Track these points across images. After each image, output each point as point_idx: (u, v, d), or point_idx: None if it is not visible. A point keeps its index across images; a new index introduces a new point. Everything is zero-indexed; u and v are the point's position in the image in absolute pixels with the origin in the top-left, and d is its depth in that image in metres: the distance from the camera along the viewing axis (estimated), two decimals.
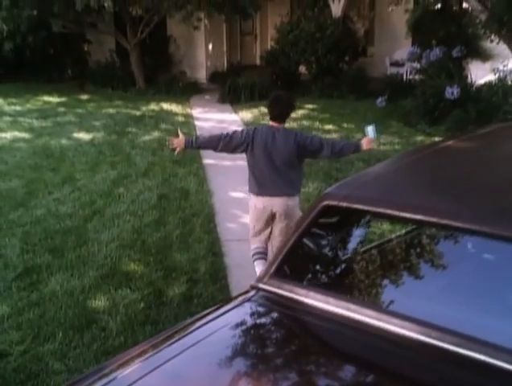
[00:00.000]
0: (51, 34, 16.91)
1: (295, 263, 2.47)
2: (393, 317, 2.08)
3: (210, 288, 5.06)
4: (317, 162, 8.92)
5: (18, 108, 13.72)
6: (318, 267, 2.53)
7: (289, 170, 4.65)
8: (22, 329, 4.39)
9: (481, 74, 12.95)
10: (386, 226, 3.05)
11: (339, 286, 2.37)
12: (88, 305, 4.73)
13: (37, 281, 5.16)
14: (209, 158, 9.42)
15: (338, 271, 2.50)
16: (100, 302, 4.78)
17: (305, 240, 2.45)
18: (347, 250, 2.54)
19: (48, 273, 5.28)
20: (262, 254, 4.90)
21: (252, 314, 2.35)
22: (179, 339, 2.21)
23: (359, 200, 2.32)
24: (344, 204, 2.35)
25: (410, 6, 14.56)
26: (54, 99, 15.08)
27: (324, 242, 2.56)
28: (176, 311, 4.64)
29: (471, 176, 2.51)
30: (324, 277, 2.47)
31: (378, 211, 2.30)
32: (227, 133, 4.77)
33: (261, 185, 4.69)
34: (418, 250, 2.30)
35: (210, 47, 18.20)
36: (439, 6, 13.02)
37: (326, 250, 2.57)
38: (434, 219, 2.11)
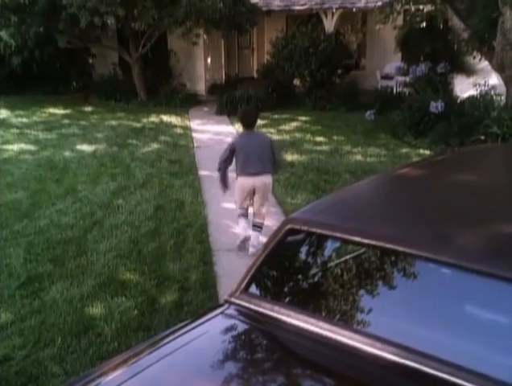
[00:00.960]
0: (57, 49, 17.17)
1: (262, 280, 2.67)
2: (346, 330, 2.30)
3: (200, 296, 5.22)
4: (307, 175, 9.14)
5: (24, 120, 13.95)
6: (283, 284, 2.71)
7: (266, 158, 5.97)
8: (25, 335, 4.57)
9: (465, 88, 13.18)
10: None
11: (301, 302, 2.56)
12: (85, 313, 4.90)
13: (39, 290, 5.32)
14: (205, 170, 9.60)
15: (300, 288, 2.68)
16: (97, 310, 4.95)
17: (272, 260, 2.66)
18: (309, 269, 2.73)
19: (49, 282, 5.46)
20: (244, 215, 6.31)
21: (224, 327, 2.54)
22: (158, 349, 2.41)
23: (317, 225, 2.53)
24: (305, 228, 2.56)
25: (400, 21, 14.77)
26: (59, 111, 15.34)
27: (288, 261, 2.77)
28: (167, 318, 4.80)
29: (420, 203, 2.71)
30: (287, 293, 2.65)
31: (333, 235, 2.51)
32: (224, 154, 6.06)
33: (248, 169, 5.93)
34: (371, 269, 2.49)
35: (209, 60, 18.42)
36: (424, 24, 13.22)
37: (290, 269, 2.76)
38: (379, 244, 2.32)
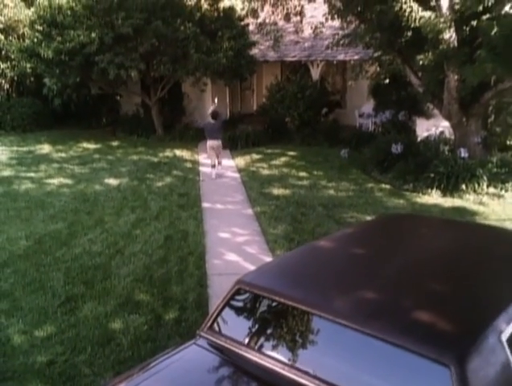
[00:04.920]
0: (90, 92, 18.22)
1: (220, 322, 3.50)
2: (271, 359, 3.16)
3: (195, 314, 5.98)
4: (288, 208, 9.93)
5: (63, 154, 14.84)
6: (234, 326, 3.50)
7: (218, 133, 12.34)
8: (64, 344, 5.38)
9: (426, 128, 14.01)
10: None
11: (245, 339, 3.34)
12: (109, 327, 5.71)
13: (75, 308, 6.12)
14: (207, 202, 10.44)
15: (245, 330, 3.40)
16: (117, 325, 5.75)
17: (226, 308, 3.51)
18: (251, 317, 3.49)
19: (82, 301, 6.26)
20: (213, 166, 12.46)
21: (195, 353, 3.36)
22: (149, 369, 3.25)
23: (256, 287, 3.36)
24: (248, 288, 3.43)
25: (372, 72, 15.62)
26: (91, 145, 16.21)
27: (238, 310, 3.59)
28: (169, 332, 5.59)
29: (328, 272, 3.55)
30: (237, 332, 3.41)
31: (266, 296, 3.35)
32: (204, 129, 12.84)
33: (210, 137, 12.35)
34: (292, 321, 3.23)
35: (216, 100, 19.27)
36: (387, 81, 14.07)
37: (239, 316, 3.59)
38: (292, 304, 3.18)
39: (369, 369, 2.90)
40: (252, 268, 7.07)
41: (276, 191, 11.10)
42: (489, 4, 9.34)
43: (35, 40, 15.19)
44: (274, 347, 3.24)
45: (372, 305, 3.07)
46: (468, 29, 10.47)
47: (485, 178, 10.81)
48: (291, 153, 15.09)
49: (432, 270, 3.51)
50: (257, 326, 3.42)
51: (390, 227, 4.54)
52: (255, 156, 14.75)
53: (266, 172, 12.91)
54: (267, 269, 3.74)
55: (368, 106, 17.19)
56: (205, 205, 10.29)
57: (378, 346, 2.85)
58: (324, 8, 13.06)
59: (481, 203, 10.20)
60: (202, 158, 14.83)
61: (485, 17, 9.64)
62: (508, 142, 12.20)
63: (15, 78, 18.38)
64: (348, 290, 3.25)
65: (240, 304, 3.53)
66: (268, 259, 7.55)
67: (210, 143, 12.40)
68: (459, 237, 4.18)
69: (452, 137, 12.41)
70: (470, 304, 3.07)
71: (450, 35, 10.46)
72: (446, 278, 3.38)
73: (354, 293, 3.20)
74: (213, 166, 12.47)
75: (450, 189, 10.74)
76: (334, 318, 3.01)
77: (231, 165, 13.91)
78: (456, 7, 10.11)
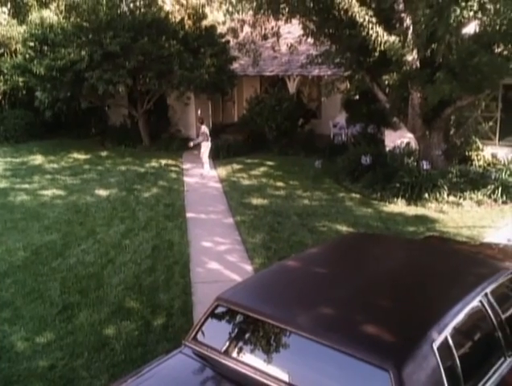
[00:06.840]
0: (80, 104, 18.42)
1: (203, 333, 3.92)
2: (245, 365, 3.59)
3: (180, 320, 6.37)
4: (265, 217, 10.35)
5: (55, 165, 15.06)
6: (213, 337, 3.93)
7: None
8: (63, 350, 5.74)
9: (393, 138, 14.52)
10: None
11: (223, 348, 3.78)
12: (103, 333, 6.07)
13: (71, 316, 6.47)
14: (191, 212, 10.79)
15: (223, 341, 3.83)
16: (110, 331, 6.11)
17: (207, 322, 3.94)
18: (229, 330, 3.92)
19: (78, 310, 6.61)
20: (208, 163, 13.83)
21: (180, 362, 3.76)
22: (138, 377, 3.64)
23: (231, 303, 3.81)
24: (225, 304, 3.87)
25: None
26: (81, 156, 16.43)
27: (217, 323, 4.02)
28: (158, 337, 5.96)
29: (294, 291, 3.99)
30: (217, 341, 3.82)
31: (242, 312, 3.78)
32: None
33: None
34: (265, 334, 3.71)
35: (199, 111, 19.62)
36: (357, 97, 14.57)
37: (218, 328, 4.02)
38: (263, 319, 3.63)
39: (325, 373, 3.37)
40: (232, 275, 7.58)
41: (255, 201, 11.50)
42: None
43: (27, 56, 15.43)
44: (248, 356, 3.67)
45: (328, 320, 3.53)
46: (429, 51, 11.00)
47: (445, 187, 11.36)
48: (270, 163, 15.47)
49: (380, 287, 3.98)
50: (234, 337, 3.84)
51: (349, 247, 5.00)
52: (236, 166, 15.13)
53: (246, 182, 13.31)
54: (242, 287, 4.18)
55: (341, 117, 17.67)
56: (189, 215, 10.63)
57: (334, 354, 3.30)
58: (300, 27, 13.49)
59: (441, 211, 10.75)
60: (186, 167, 15.17)
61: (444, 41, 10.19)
62: (466, 153, 12.79)
63: (8, 91, 18.53)
64: (309, 307, 3.70)
65: (219, 317, 3.96)
66: (247, 267, 8.00)
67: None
68: (406, 256, 4.67)
69: (418, 148, 12.95)
70: (408, 317, 3.55)
71: (413, 57, 10.99)
72: (391, 294, 3.85)
73: (315, 310, 3.66)
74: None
75: (414, 198, 11.27)
76: (297, 331, 3.47)
77: (213, 175, 14.25)
78: (419, 31, 10.62)
